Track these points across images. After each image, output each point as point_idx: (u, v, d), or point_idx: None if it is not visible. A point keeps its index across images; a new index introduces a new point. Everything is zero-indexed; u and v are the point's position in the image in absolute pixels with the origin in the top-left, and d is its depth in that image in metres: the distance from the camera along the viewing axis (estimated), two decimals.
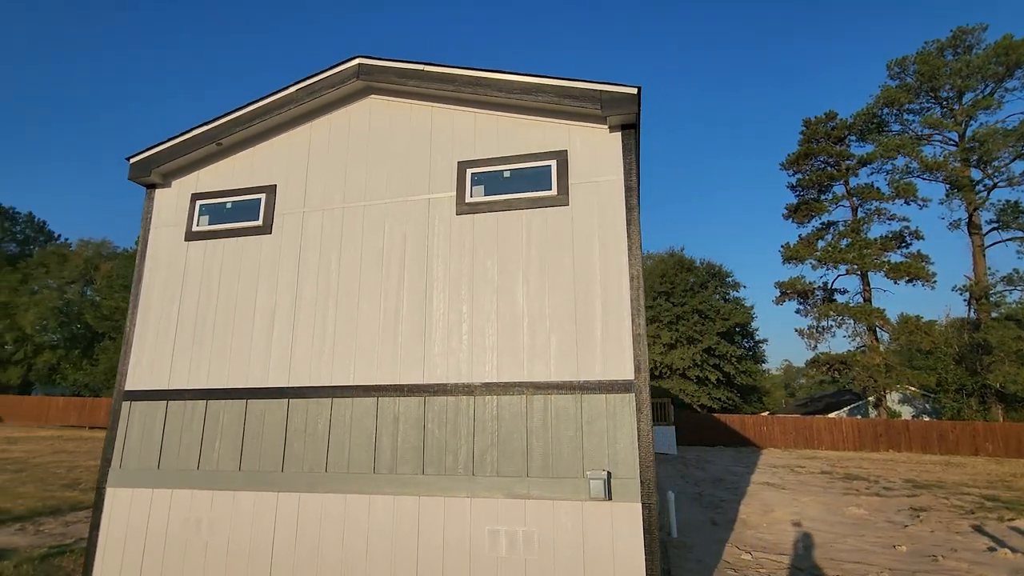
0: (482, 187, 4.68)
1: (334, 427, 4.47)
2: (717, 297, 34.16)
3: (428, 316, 4.50)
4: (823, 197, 34.04)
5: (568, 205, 4.44)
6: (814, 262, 30.24)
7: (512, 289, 4.39)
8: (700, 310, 32.31)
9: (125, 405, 4.99)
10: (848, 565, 6.32)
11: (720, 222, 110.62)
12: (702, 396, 32.18)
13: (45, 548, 6.17)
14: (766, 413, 41.44)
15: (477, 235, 4.57)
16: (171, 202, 5.45)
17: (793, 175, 34.45)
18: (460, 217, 4.65)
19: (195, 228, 5.29)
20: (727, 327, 31.64)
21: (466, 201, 4.66)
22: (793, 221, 34.15)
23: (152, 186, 5.54)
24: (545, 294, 4.31)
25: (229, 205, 5.27)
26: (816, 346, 30.56)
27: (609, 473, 3.86)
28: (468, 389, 4.26)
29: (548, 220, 4.46)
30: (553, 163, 4.54)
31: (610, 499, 3.81)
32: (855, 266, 28.93)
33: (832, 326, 29.49)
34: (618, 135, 4.46)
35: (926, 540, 7.68)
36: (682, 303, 33.00)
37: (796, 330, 32.54)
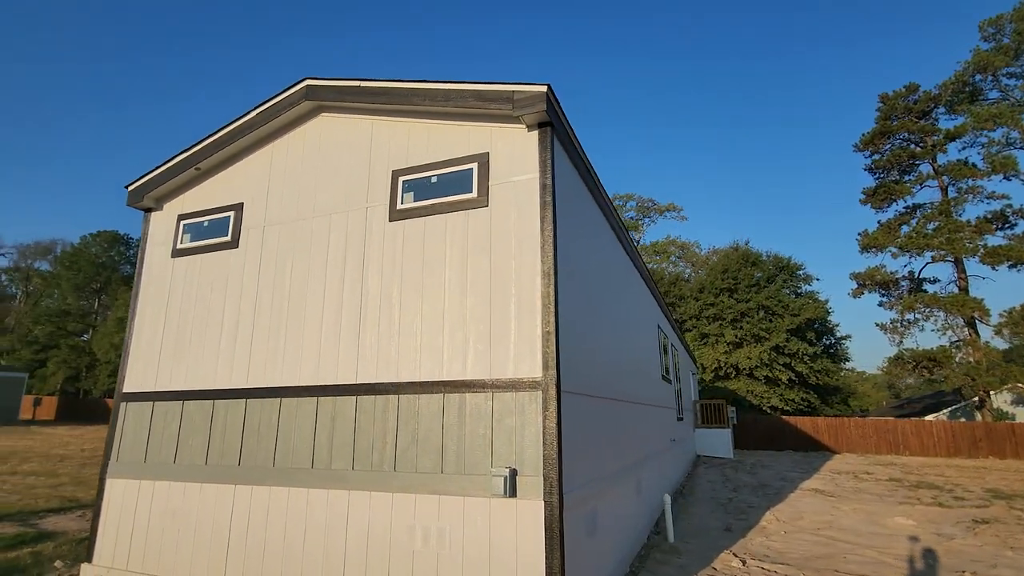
0: (412, 194, 4.84)
1: (282, 425, 4.80)
2: (787, 291, 32.04)
3: (363, 320, 4.73)
4: (906, 178, 31.02)
5: (487, 206, 4.50)
6: (895, 250, 27.56)
7: (436, 291, 4.51)
8: (766, 306, 30.49)
9: (122, 405, 5.63)
10: (821, 572, 5.82)
11: (792, 212, 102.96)
12: (772, 397, 30.32)
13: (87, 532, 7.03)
14: (859, 415, 38.27)
15: (407, 240, 4.74)
16: (163, 223, 6.09)
17: (869, 156, 31.65)
18: (392, 224, 4.84)
19: (179, 246, 5.87)
20: (797, 323, 29.57)
21: (397, 208, 4.85)
22: (871, 207, 31.36)
23: (149, 210, 6.21)
24: (465, 295, 4.40)
25: (206, 223, 5.80)
26: (901, 342, 27.81)
27: (515, 471, 3.87)
28: (395, 388, 4.43)
29: (469, 222, 4.54)
30: (475, 166, 4.62)
31: (515, 496, 3.83)
32: (943, 252, 26.04)
33: (919, 319, 26.68)
34: (535, 134, 4.47)
35: (966, 555, 6.87)
36: (746, 299, 31.32)
37: (877, 325, 29.76)
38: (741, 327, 30.49)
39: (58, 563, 5.52)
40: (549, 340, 3.99)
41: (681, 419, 14.95)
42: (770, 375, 30.22)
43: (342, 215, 5.11)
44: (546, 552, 3.66)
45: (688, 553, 6.69)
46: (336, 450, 4.52)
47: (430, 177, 4.81)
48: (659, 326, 11.38)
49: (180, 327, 5.60)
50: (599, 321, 5.37)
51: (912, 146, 30.40)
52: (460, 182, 4.67)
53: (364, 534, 4.23)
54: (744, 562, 6.35)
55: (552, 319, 4.02)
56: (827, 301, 31.57)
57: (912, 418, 28.10)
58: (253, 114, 5.57)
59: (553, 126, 4.47)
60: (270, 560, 4.51)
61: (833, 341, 35.39)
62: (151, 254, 6.04)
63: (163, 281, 5.85)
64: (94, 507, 5.45)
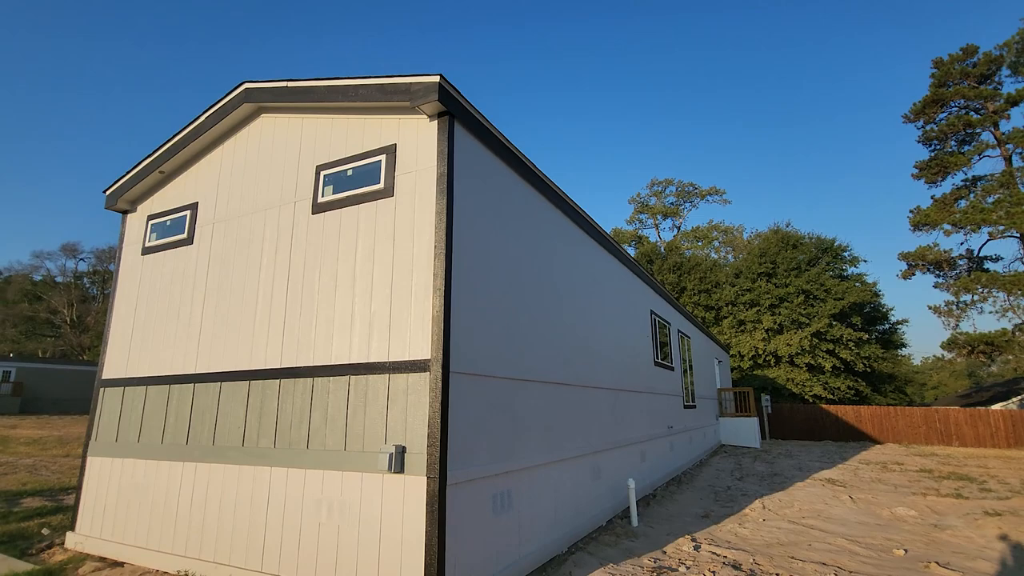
0: (332, 187, 5.07)
1: (221, 407, 5.17)
2: (830, 274, 30.39)
3: (288, 309, 5.01)
4: (964, 149, 28.68)
5: (393, 196, 4.66)
6: (949, 227, 25.60)
7: (348, 280, 4.73)
8: (807, 290, 29.07)
9: (101, 391, 6.20)
10: (799, 563, 5.65)
11: (837, 191, 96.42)
12: (815, 386, 28.94)
13: None
14: (921, 405, 35.92)
15: (325, 232, 4.98)
16: (136, 224, 6.61)
17: (921, 127, 29.46)
18: (315, 217, 5.09)
19: (147, 244, 6.37)
20: (840, 307, 28.02)
21: (318, 201, 5.09)
22: (924, 181, 29.22)
23: (125, 212, 6.75)
24: (372, 283, 4.59)
25: (168, 222, 6.26)
26: (957, 325, 25.86)
27: (403, 448, 4.05)
28: (311, 372, 4.69)
29: (378, 212, 4.72)
30: (383, 157, 4.79)
31: (402, 472, 4.01)
32: (1002, 228, 23.97)
33: (976, 300, 24.71)
34: (436, 123, 4.58)
35: (950, 546, 6.49)
36: (785, 283, 29.98)
37: (930, 307, 27.70)
38: (779, 313, 29.23)
39: (45, 530, 6.17)
40: (438, 323, 4.12)
41: (693, 407, 14.64)
42: (812, 362, 28.86)
43: (276, 210, 5.41)
44: (426, 525, 3.82)
45: (645, 537, 6.67)
46: (262, 430, 4.84)
47: (347, 170, 5.02)
48: (653, 312, 11.20)
49: (147, 319, 6.09)
50: (526, 306, 5.43)
51: (970, 113, 28.03)
52: (371, 174, 4.85)
53: (282, 507, 4.53)
54: (698, 547, 6.27)
55: (442, 303, 4.15)
56: (875, 284, 29.70)
57: (979, 407, 26.16)
58: (202, 118, 5.96)
59: (454, 115, 4.57)
60: (208, 530, 4.90)
61: (888, 327, 33.34)
62: (126, 253, 6.58)
63: (134, 278, 6.38)
64: (78, 482, 6.05)
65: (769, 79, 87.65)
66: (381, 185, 4.73)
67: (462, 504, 4.10)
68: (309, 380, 4.69)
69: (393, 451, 4.01)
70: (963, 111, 28.39)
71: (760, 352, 30.10)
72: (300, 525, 4.39)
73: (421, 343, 4.18)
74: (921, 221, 27.69)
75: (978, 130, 28.21)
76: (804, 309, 28.84)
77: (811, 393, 28.91)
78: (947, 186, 28.27)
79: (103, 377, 6.25)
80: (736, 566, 5.59)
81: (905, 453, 18.54)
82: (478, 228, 4.75)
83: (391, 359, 4.30)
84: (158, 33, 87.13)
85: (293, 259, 5.12)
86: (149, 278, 6.24)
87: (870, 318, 31.64)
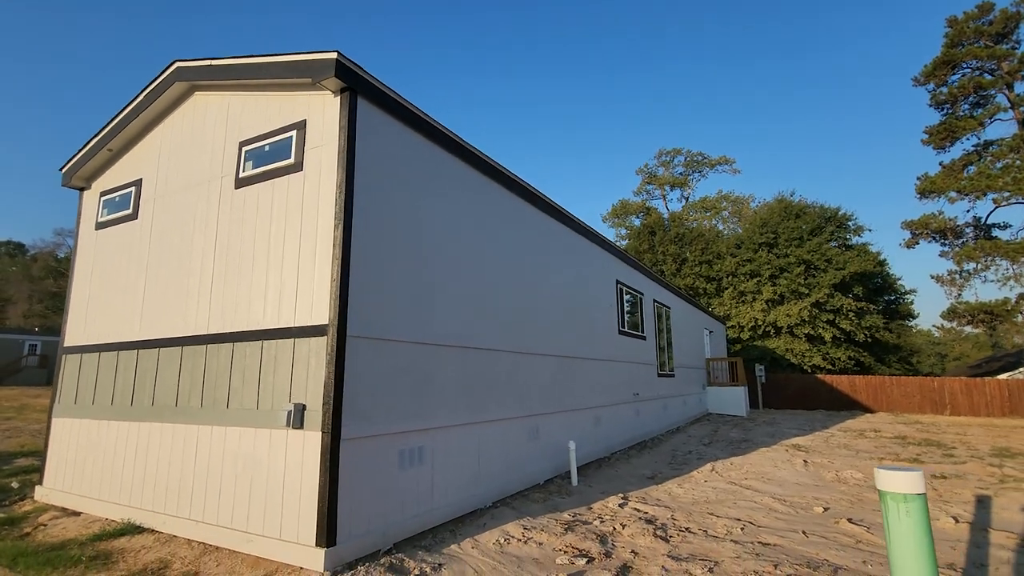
0: (251, 162, 5.31)
1: (160, 371, 5.56)
2: (833, 244, 29.95)
3: (214, 279, 5.32)
4: (976, 113, 27.67)
5: (302, 171, 4.88)
6: (954, 194, 24.94)
7: (264, 250, 5.00)
8: (807, 260, 28.75)
9: (63, 357, 6.65)
10: (713, 519, 5.93)
11: (842, 160, 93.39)
12: (814, 356, 28.88)
13: None
14: (929, 376, 35.60)
15: (246, 206, 5.24)
16: (91, 201, 6.95)
17: (932, 91, 28.43)
18: (238, 191, 5.35)
19: (100, 220, 6.72)
20: (842, 277, 27.69)
21: (240, 176, 5.34)
22: (933, 147, 28.35)
23: (82, 189, 7.09)
24: (283, 253, 4.85)
25: (117, 198, 6.58)
26: (959, 295, 25.45)
27: (303, 406, 4.37)
28: (233, 337, 5.02)
29: (290, 186, 4.96)
30: (294, 133, 4.99)
31: (302, 428, 4.34)
32: (1007, 194, 23.30)
33: (979, 269, 24.22)
34: (339, 99, 4.76)
35: (872, 505, 6.71)
36: (786, 254, 29.67)
37: (932, 277, 27.18)
38: (779, 283, 29.01)
39: (14, 484, 6.72)
40: (335, 290, 4.39)
41: (671, 375, 14.87)
42: (812, 333, 28.74)
43: (206, 185, 5.67)
44: (319, 475, 4.16)
45: (579, 495, 7.00)
46: (192, 391, 5.21)
47: (264, 146, 5.24)
48: (620, 282, 11.35)
49: (99, 291, 6.47)
50: (442, 276, 5.65)
51: (983, 75, 26.93)
52: (285, 149, 5.07)
53: (207, 461, 4.92)
54: (625, 504, 6.58)
55: (339, 271, 4.40)
56: (879, 254, 29.21)
57: (978, 378, 25.93)
58: (140, 97, 6.21)
59: (357, 90, 4.73)
60: (147, 483, 5.33)
61: (894, 297, 32.89)
62: (83, 229, 6.94)
63: (89, 252, 6.74)
64: (44, 442, 6.55)
65: (787, 44, 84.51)
66: (292, 160, 4.95)
67: (360, 457, 4.42)
68: (230, 345, 5.02)
69: (292, 409, 4.33)
70: (976, 72, 27.29)
71: (760, 323, 30.03)
72: (221, 477, 4.78)
73: (322, 309, 4.46)
74: (927, 188, 26.98)
75: (992, 91, 27.14)
76: (804, 279, 28.58)
77: (810, 363, 28.88)
78: (956, 152, 27.46)
79: (64, 345, 6.69)
80: (651, 520, 5.90)
81: (891, 421, 18.61)
82: (385, 199, 4.96)
83: (297, 324, 4.59)
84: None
85: (220, 232, 5.40)
86: (102, 252, 6.60)
87: (877, 288, 31.22)
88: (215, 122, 5.78)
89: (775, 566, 4.49)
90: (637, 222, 45.30)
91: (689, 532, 5.50)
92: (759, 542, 5.17)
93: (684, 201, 53.03)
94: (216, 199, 5.51)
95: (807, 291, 28.39)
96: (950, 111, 28.21)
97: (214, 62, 5.55)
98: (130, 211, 6.35)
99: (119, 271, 6.31)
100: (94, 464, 5.90)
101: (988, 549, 5.01)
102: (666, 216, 45.77)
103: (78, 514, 5.84)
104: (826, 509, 6.48)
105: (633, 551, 4.89)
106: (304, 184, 4.84)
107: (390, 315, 4.93)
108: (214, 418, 4.95)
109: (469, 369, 5.96)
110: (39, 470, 7.80)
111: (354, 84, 4.69)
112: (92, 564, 4.41)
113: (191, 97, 6.12)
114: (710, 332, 21.98)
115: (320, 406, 4.28)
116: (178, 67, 5.89)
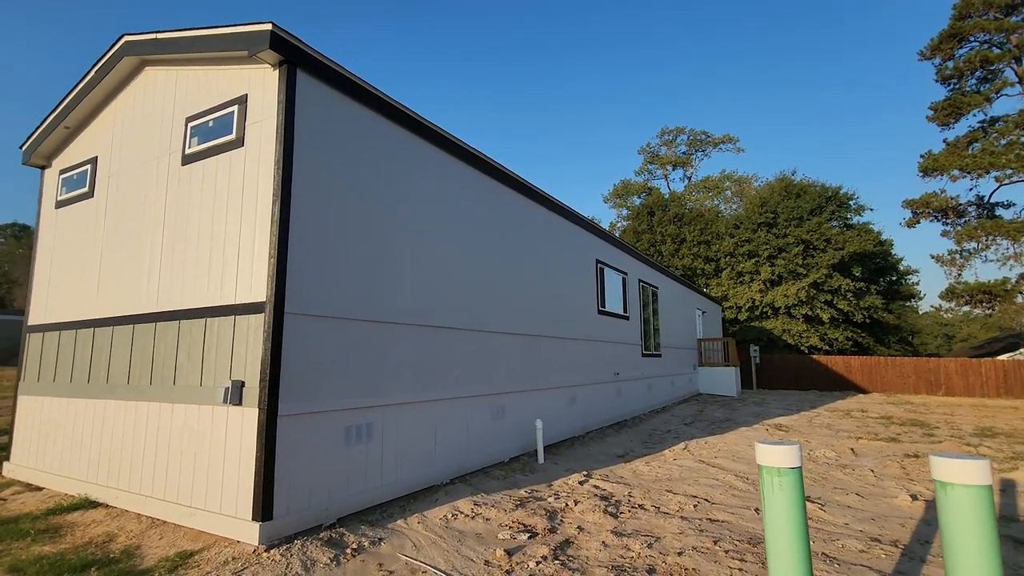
0: (197, 138, 5.23)
1: (114, 349, 5.57)
2: (834, 224, 29.58)
3: (163, 257, 5.29)
4: (983, 88, 26.99)
5: (243, 146, 4.81)
6: (956, 172, 24.47)
7: (208, 228, 4.96)
8: (806, 240, 28.44)
9: (27, 336, 6.69)
10: (670, 495, 5.95)
11: (844, 138, 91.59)
12: (811, 337, 28.78)
13: None
14: (932, 356, 35.44)
15: (192, 182, 5.19)
16: (52, 179, 6.92)
17: (938, 65, 27.70)
18: (184, 168, 5.29)
19: (59, 198, 6.69)
20: (840, 257, 27.42)
21: (186, 152, 5.28)
22: (937, 124, 27.74)
23: (43, 167, 7.05)
24: (225, 230, 4.81)
25: (75, 176, 6.54)
26: (959, 275, 25.14)
27: (242, 383, 4.37)
28: (178, 315, 5.01)
29: (232, 162, 4.89)
30: (236, 108, 4.91)
31: (241, 404, 4.35)
32: (1009, 172, 22.82)
33: (979, 248, 23.87)
34: (277, 72, 4.66)
35: (834, 484, 6.70)
36: (784, 234, 29.36)
37: (932, 256, 26.83)
38: (777, 264, 28.77)
39: None
40: (272, 267, 4.35)
41: (656, 355, 14.85)
42: (810, 313, 28.59)
43: (155, 162, 5.61)
44: (256, 451, 4.18)
45: (543, 472, 7.03)
46: (143, 369, 5.23)
47: (208, 121, 5.16)
48: (601, 262, 11.27)
49: (59, 270, 6.48)
50: (393, 254, 5.59)
51: (991, 48, 26.17)
52: (227, 125, 4.99)
53: (155, 436, 4.96)
54: (585, 481, 6.60)
55: (276, 248, 4.35)
56: (879, 233, 28.82)
57: (984, 359, 25.76)
58: (91, 73, 6.12)
59: (296, 63, 4.63)
60: (103, 458, 5.39)
61: (896, 277, 32.58)
62: (44, 207, 6.92)
63: (50, 231, 6.73)
64: (10, 419, 6.63)
65: (791, 21, 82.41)
66: (234, 136, 4.88)
67: (300, 433, 4.43)
68: (177, 323, 5.01)
69: (229, 385, 4.34)
70: (984, 46, 26.52)
71: (757, 303, 29.88)
72: (168, 453, 4.82)
73: (260, 286, 4.43)
74: (930, 166, 26.45)
75: (999, 66, 26.42)
76: (803, 260, 28.33)
77: (807, 344, 28.79)
78: (962, 128, 26.90)
79: (28, 324, 6.73)
80: (606, 497, 5.92)
81: (882, 402, 18.57)
82: (330, 175, 4.89)
83: (238, 302, 4.57)
84: None
85: (168, 209, 5.36)
86: (61, 231, 6.59)
87: (878, 269, 30.90)
88: (164, 98, 5.70)
89: (715, 542, 4.49)
90: (639, 202, 44.90)
91: (641, 509, 5.52)
92: (707, 519, 5.18)
93: (687, 181, 52.45)
94: (165, 176, 5.46)
95: (805, 271, 28.16)
96: (956, 86, 27.53)
97: (160, 35, 5.45)
98: (86, 189, 6.31)
99: (77, 250, 6.30)
100: (56, 441, 5.98)
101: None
102: (667, 196, 45.29)
103: (40, 489, 5.92)
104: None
105: (580, 527, 4.90)
106: (245, 160, 4.78)
107: (337, 292, 4.89)
108: (162, 395, 4.97)
109: (426, 347, 5.95)
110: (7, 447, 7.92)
111: (293, 57, 4.59)
112: (39, 536, 4.47)
113: (142, 72, 6.02)
114: (703, 312, 21.89)
115: (257, 383, 4.27)
116: (127, 41, 5.79)
